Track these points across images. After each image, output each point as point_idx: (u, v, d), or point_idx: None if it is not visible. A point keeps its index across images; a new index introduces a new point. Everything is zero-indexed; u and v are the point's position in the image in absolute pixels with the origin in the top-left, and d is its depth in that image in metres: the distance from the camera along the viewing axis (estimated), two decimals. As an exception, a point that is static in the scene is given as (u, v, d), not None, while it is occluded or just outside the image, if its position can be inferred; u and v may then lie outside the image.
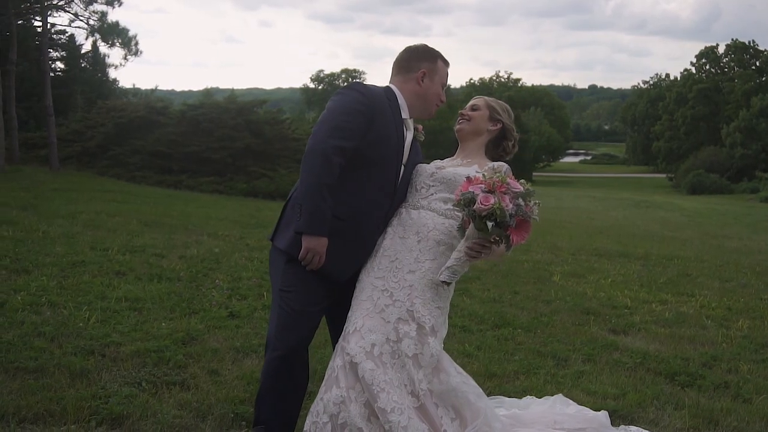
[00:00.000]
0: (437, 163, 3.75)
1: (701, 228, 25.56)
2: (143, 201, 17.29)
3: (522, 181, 3.33)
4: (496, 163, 3.63)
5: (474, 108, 3.80)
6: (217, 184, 24.29)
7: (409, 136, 3.63)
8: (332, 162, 3.28)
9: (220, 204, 19.74)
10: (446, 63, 3.73)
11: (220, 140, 25.44)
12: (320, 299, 3.49)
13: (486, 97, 3.89)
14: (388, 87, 3.64)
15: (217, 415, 4.03)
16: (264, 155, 25.70)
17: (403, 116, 3.59)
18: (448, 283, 3.43)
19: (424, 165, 3.71)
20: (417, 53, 3.68)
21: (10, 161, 24.03)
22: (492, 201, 3.16)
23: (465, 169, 3.58)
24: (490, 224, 3.17)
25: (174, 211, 15.43)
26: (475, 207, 3.18)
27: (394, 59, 3.74)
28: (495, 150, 3.83)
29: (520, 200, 3.23)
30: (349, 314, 3.46)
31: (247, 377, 4.60)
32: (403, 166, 3.59)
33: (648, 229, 24.08)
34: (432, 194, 3.58)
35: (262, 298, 6.90)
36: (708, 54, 79.34)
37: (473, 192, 3.21)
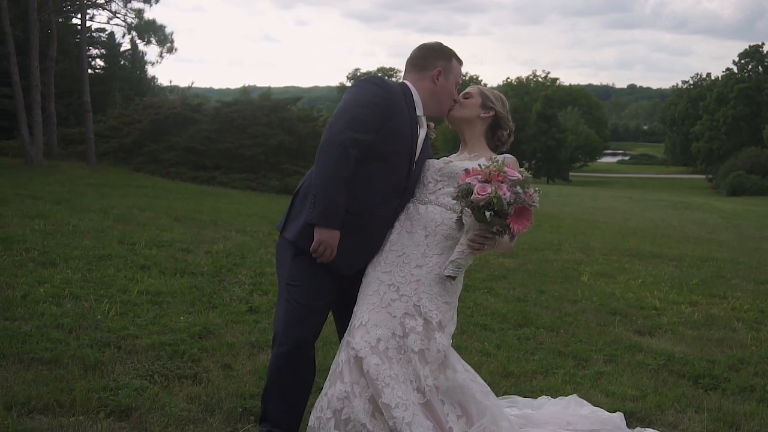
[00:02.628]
0: (445, 158, 3.69)
1: (739, 230, 25.08)
2: (175, 196, 17.46)
3: (521, 169, 3.26)
4: (501, 156, 3.57)
5: (466, 96, 3.75)
6: (249, 181, 24.43)
7: (422, 134, 3.58)
8: (349, 154, 3.24)
9: (251, 200, 19.85)
10: (460, 62, 3.69)
11: (254, 137, 25.59)
12: (327, 293, 3.45)
13: (480, 86, 3.83)
14: (403, 83, 3.59)
15: (226, 409, 4.01)
16: (297, 152, 25.79)
17: (417, 113, 3.55)
18: (453, 278, 3.37)
19: (432, 160, 3.66)
20: (432, 51, 3.64)
21: (49, 157, 24.45)
22: (488, 190, 3.11)
23: (472, 163, 3.52)
24: (488, 214, 3.11)
25: (205, 206, 15.54)
26: (472, 197, 3.13)
27: (408, 56, 3.69)
28: (491, 140, 3.75)
29: (518, 188, 3.17)
30: (355, 309, 3.42)
31: (260, 372, 4.58)
32: (414, 163, 3.54)
33: (684, 230, 23.70)
34: (440, 189, 3.52)
35: (284, 293, 6.88)
36: (752, 53, 77.89)
37: (470, 183, 3.15)
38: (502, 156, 3.51)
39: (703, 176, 72.46)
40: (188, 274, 7.44)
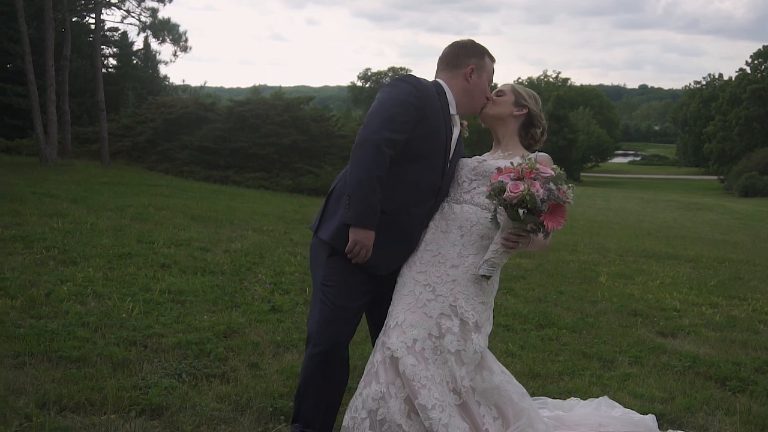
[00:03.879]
0: (478, 157, 3.67)
1: (753, 231, 24.93)
2: (190, 195, 17.49)
3: (554, 166, 3.24)
4: (534, 153, 3.55)
5: (499, 93, 3.72)
6: (263, 180, 24.42)
7: (455, 132, 3.56)
8: (384, 154, 3.23)
9: (266, 199, 19.86)
10: (493, 59, 3.66)
11: (267, 136, 25.58)
12: (362, 294, 3.43)
13: (513, 84, 3.80)
14: (436, 81, 3.57)
15: (256, 408, 4.01)
16: (310, 152, 25.79)
17: (451, 112, 3.53)
18: (488, 277, 3.35)
19: (466, 159, 3.64)
20: (465, 49, 3.61)
21: (63, 155, 24.52)
22: (521, 188, 3.09)
23: (506, 161, 3.50)
24: (522, 212, 3.09)
25: (219, 205, 15.55)
26: (505, 195, 3.11)
27: (440, 54, 3.67)
28: (524, 138, 3.73)
29: (551, 185, 3.14)
30: (390, 309, 3.40)
31: (287, 371, 4.57)
32: (448, 162, 3.52)
33: (698, 231, 23.57)
34: (474, 188, 3.50)
35: (305, 293, 6.89)
36: (765, 53, 77.39)
37: (502, 181, 3.13)
38: (535, 153, 3.49)
39: (715, 177, 72.11)
40: (208, 273, 7.45)
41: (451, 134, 3.51)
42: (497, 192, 3.17)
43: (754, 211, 36.91)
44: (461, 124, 3.65)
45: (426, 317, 3.30)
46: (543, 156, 3.47)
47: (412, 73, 3.61)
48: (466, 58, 3.58)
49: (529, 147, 3.70)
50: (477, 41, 3.66)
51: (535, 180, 3.13)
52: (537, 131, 3.70)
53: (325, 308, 3.37)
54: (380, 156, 3.23)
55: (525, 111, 3.68)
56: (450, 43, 3.67)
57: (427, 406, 3.12)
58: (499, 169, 3.26)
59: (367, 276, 3.41)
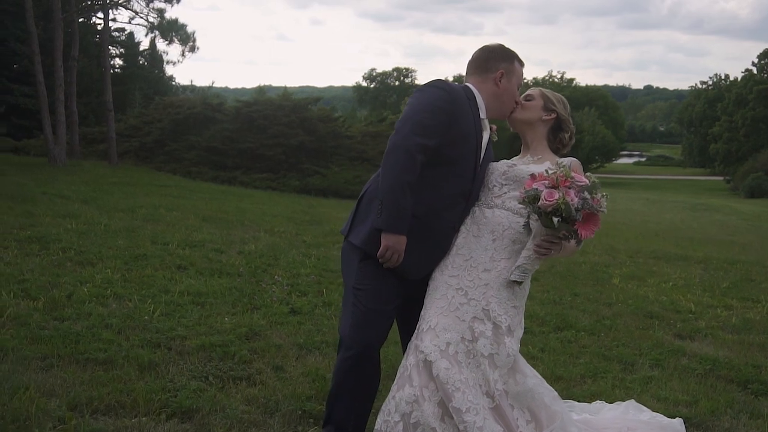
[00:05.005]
0: (508, 161, 3.68)
1: (760, 232, 24.94)
2: (199, 196, 17.53)
3: (588, 174, 3.25)
4: (565, 159, 3.57)
5: (528, 98, 3.73)
6: (270, 181, 24.47)
7: (485, 136, 3.58)
8: (415, 159, 3.24)
9: (274, 200, 19.90)
10: (522, 63, 3.68)
11: (274, 137, 25.65)
12: (394, 298, 3.45)
13: (541, 88, 3.81)
14: (466, 86, 3.58)
15: (285, 411, 4.02)
16: (317, 153, 25.85)
17: (481, 116, 3.54)
18: (520, 283, 3.36)
19: (495, 163, 3.65)
20: (495, 53, 3.62)
21: (71, 155, 24.59)
22: (556, 196, 3.10)
23: (537, 166, 3.51)
24: (556, 220, 3.11)
25: (229, 206, 15.59)
26: (539, 203, 3.13)
27: (470, 59, 3.68)
28: (553, 143, 3.75)
29: (586, 193, 3.15)
30: (423, 312, 3.42)
31: (312, 374, 4.59)
32: (479, 167, 3.54)
33: (705, 232, 23.58)
34: (505, 192, 3.51)
35: (322, 294, 6.91)
36: (773, 54, 77.17)
37: (537, 188, 3.15)
38: (567, 160, 3.51)
39: (721, 178, 71.94)
40: (225, 275, 7.47)
41: (482, 138, 3.53)
42: (531, 199, 3.18)
43: (761, 212, 36.88)
44: (490, 128, 3.66)
45: (459, 321, 3.31)
46: (575, 162, 3.49)
47: (441, 78, 3.61)
48: (496, 63, 3.59)
49: (558, 151, 3.71)
50: (506, 46, 3.67)
51: (569, 189, 3.14)
52: (565, 135, 3.71)
53: (357, 312, 3.39)
54: (411, 161, 3.24)
55: (554, 116, 3.69)
56: (479, 48, 3.68)
57: (462, 409, 3.14)
58: (533, 176, 3.26)
59: (398, 280, 3.42)
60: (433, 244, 3.45)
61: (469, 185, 3.50)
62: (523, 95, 3.75)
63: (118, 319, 5.39)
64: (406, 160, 3.24)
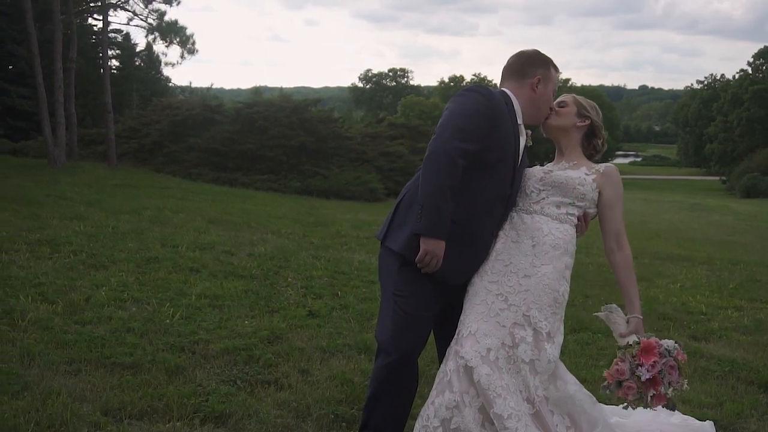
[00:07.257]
0: (543, 167, 3.69)
1: (759, 232, 25.01)
2: (202, 198, 17.53)
3: (679, 357, 3.54)
4: (601, 165, 3.59)
5: (561, 105, 3.74)
6: (271, 182, 24.48)
7: (522, 142, 3.59)
8: (456, 163, 3.24)
9: (277, 201, 19.90)
10: (557, 69, 3.69)
11: (275, 138, 25.65)
12: (433, 304, 3.44)
13: (574, 95, 3.82)
14: (503, 91, 3.58)
15: (317, 415, 4.02)
16: (318, 153, 25.86)
17: (518, 121, 3.55)
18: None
19: (531, 169, 3.66)
20: (531, 59, 3.63)
21: (70, 157, 24.55)
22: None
23: (574, 172, 3.53)
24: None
25: (233, 208, 15.59)
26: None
27: (505, 64, 3.69)
28: (587, 149, 3.77)
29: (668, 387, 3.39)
30: (462, 318, 3.42)
31: (339, 377, 4.59)
32: (517, 172, 3.55)
33: (705, 232, 23.65)
34: (544, 198, 3.52)
35: (337, 297, 6.92)
36: (767, 54, 77.42)
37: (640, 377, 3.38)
38: (604, 165, 3.55)
39: (717, 178, 72.14)
40: (239, 277, 7.47)
41: (519, 143, 3.54)
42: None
43: (757, 212, 37.00)
44: (526, 134, 3.67)
45: (499, 326, 3.31)
46: (611, 168, 3.51)
47: (480, 83, 3.61)
48: (533, 69, 3.60)
49: (591, 157, 3.73)
50: (542, 51, 3.69)
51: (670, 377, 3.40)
52: (599, 141, 3.73)
53: (397, 318, 3.38)
54: (452, 166, 3.24)
55: (588, 122, 3.71)
56: (515, 53, 3.69)
57: (503, 415, 3.14)
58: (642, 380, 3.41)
59: (438, 285, 3.42)
60: (472, 249, 3.44)
61: (508, 190, 3.50)
62: (556, 101, 3.76)
63: (139, 323, 5.39)
64: (447, 164, 3.23)
